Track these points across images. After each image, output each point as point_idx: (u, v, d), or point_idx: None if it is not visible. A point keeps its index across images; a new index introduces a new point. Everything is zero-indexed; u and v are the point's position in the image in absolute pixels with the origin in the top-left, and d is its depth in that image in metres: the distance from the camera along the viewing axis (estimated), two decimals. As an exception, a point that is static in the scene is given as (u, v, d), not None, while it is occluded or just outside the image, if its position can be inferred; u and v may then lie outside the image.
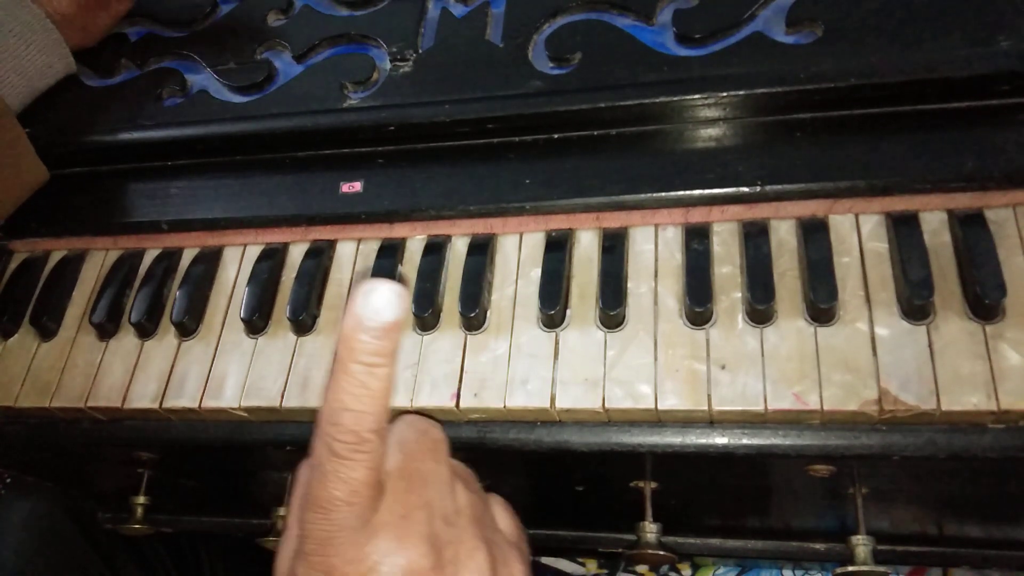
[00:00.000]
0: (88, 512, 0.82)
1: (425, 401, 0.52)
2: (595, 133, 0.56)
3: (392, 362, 0.34)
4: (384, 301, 0.32)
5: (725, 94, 0.52)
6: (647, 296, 0.52)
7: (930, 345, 0.46)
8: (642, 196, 0.53)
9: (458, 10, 0.63)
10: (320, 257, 0.59)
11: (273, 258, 0.60)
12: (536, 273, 0.54)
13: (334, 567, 0.33)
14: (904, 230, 0.49)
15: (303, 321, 0.56)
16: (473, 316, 0.53)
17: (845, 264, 0.49)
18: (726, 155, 0.52)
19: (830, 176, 0.50)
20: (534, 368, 0.51)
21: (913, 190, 0.49)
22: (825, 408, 0.46)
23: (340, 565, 0.33)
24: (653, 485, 0.59)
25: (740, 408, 0.47)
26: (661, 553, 0.58)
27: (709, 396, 0.48)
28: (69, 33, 0.68)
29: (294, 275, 0.58)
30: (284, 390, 0.55)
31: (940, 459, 0.46)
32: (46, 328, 0.62)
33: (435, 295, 0.55)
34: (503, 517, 0.41)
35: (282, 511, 0.67)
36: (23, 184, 0.64)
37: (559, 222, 0.55)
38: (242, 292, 0.59)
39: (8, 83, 0.65)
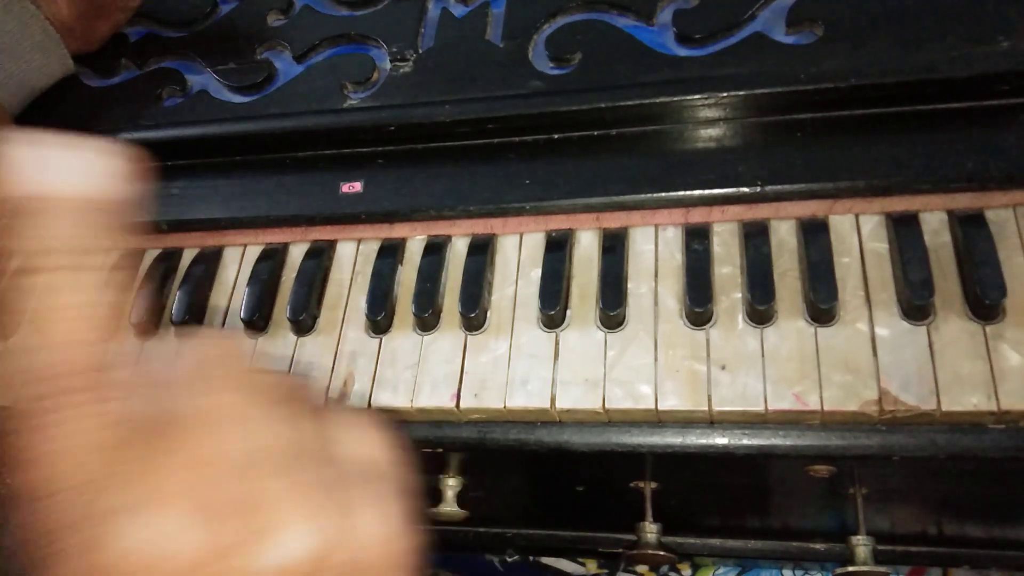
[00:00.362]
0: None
1: (425, 401, 0.52)
2: (595, 133, 0.56)
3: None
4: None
5: (725, 94, 0.52)
6: (647, 296, 0.52)
7: (930, 345, 0.46)
8: (642, 196, 0.53)
9: (458, 10, 0.63)
10: (320, 257, 0.59)
11: (273, 258, 0.60)
12: (536, 273, 0.54)
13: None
14: (904, 230, 0.49)
15: (303, 321, 0.56)
16: (473, 316, 0.53)
17: (845, 264, 0.49)
18: (726, 155, 0.52)
19: (830, 176, 0.50)
20: (534, 368, 0.51)
21: (913, 190, 0.49)
22: (825, 408, 0.46)
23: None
24: (653, 485, 0.59)
25: (740, 408, 0.47)
26: (661, 553, 0.58)
27: (709, 396, 0.48)
28: (68, 40, 0.68)
29: (294, 275, 0.58)
30: (284, 390, 0.54)
31: (940, 459, 0.46)
32: (46, 328, 0.62)
33: (435, 295, 0.55)
34: (360, 441, 0.29)
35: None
36: None
37: (559, 222, 0.55)
38: (242, 292, 0.59)
39: (4, 82, 0.64)
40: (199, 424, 0.26)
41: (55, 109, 0.69)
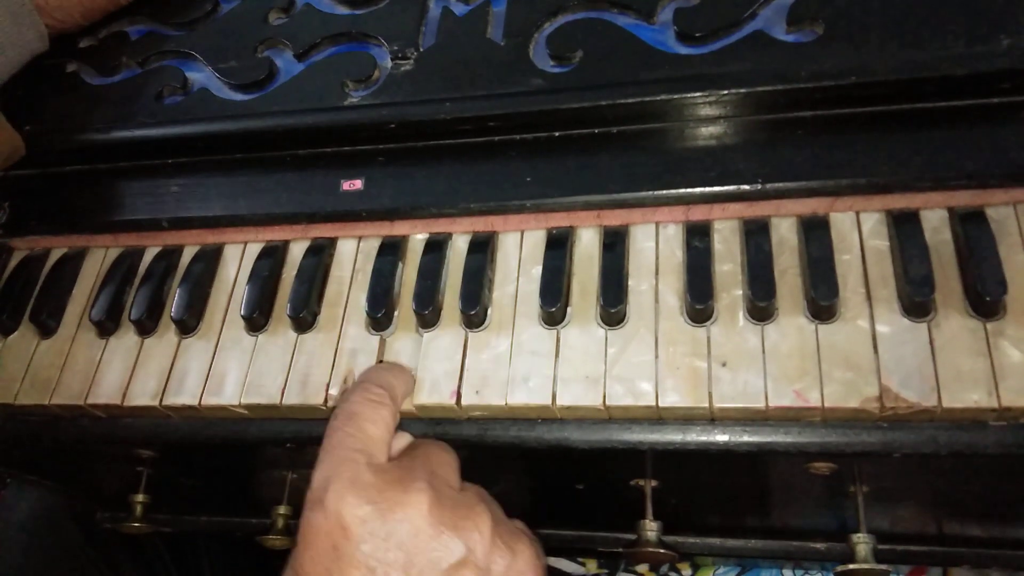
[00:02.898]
0: (88, 511, 0.82)
1: (426, 399, 0.52)
2: (596, 131, 0.56)
3: (406, 385, 0.52)
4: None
5: (726, 92, 0.52)
6: (648, 294, 0.52)
7: (931, 342, 0.46)
8: (643, 194, 0.53)
9: (459, 8, 0.63)
10: (321, 255, 0.59)
11: (274, 256, 0.60)
12: (537, 271, 0.54)
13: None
14: (905, 228, 0.49)
15: (303, 319, 0.56)
16: (474, 314, 0.53)
17: (846, 262, 0.49)
18: (727, 153, 0.52)
19: (831, 174, 0.50)
20: (535, 366, 0.51)
21: (914, 188, 0.49)
22: (826, 405, 0.46)
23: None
24: (654, 483, 0.59)
25: (741, 405, 0.47)
26: (661, 552, 0.58)
27: (710, 393, 0.48)
28: (44, 15, 0.67)
29: (294, 273, 0.58)
30: (284, 388, 0.55)
31: (941, 456, 0.46)
32: (46, 326, 0.62)
33: (436, 293, 0.55)
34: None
35: (282, 509, 0.67)
36: (1, 155, 0.63)
37: (560, 220, 0.56)
38: (242, 290, 0.59)
39: None
40: (431, 458, 0.48)
41: (57, 106, 0.69)
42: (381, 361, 0.54)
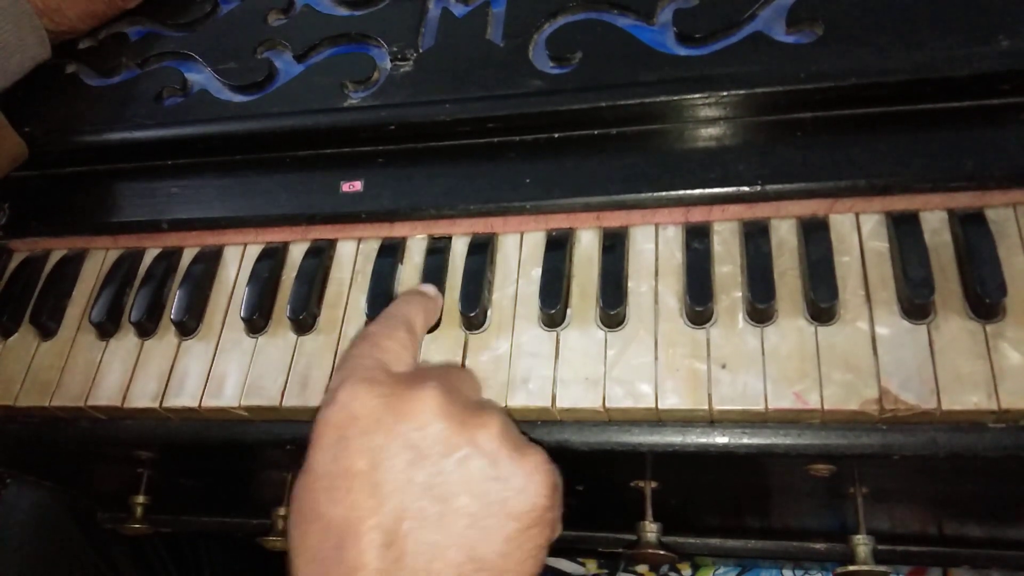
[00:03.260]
0: (88, 512, 0.82)
1: (425, 400, 0.52)
2: (595, 132, 0.56)
3: (427, 313, 0.52)
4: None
5: (725, 93, 0.52)
6: (647, 295, 0.52)
7: (931, 344, 0.46)
8: (642, 195, 0.53)
9: (458, 10, 0.63)
10: (320, 256, 0.59)
11: (273, 257, 0.60)
12: (537, 272, 0.54)
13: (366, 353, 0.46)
14: (905, 229, 0.49)
15: (303, 320, 0.56)
16: (473, 315, 0.53)
17: (845, 263, 0.49)
18: (726, 154, 0.52)
19: (830, 175, 0.50)
20: (535, 367, 0.51)
21: (913, 189, 0.49)
22: (826, 407, 0.46)
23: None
24: (653, 484, 0.59)
25: (741, 407, 0.47)
26: (661, 553, 0.58)
27: (710, 395, 0.48)
28: (45, 19, 0.67)
29: (294, 274, 0.58)
30: (284, 389, 0.55)
31: (940, 458, 0.46)
32: (46, 327, 0.62)
33: (435, 294, 0.55)
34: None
35: (282, 511, 0.67)
36: (5, 158, 0.63)
37: (559, 221, 0.55)
38: (242, 291, 0.59)
39: None
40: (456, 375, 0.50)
41: (56, 108, 0.69)
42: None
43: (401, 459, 0.41)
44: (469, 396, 0.47)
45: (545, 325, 0.52)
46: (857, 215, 0.51)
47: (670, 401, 0.48)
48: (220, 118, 0.63)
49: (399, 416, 0.42)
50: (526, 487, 0.41)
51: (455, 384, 0.46)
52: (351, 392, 0.43)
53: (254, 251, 0.61)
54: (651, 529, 0.59)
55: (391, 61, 0.62)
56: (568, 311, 0.52)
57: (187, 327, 0.58)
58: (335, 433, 0.42)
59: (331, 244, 0.60)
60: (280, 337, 0.57)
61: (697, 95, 0.53)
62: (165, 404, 0.56)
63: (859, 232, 0.50)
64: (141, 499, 0.70)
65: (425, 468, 0.41)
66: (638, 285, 0.52)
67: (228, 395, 0.56)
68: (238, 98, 0.65)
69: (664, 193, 0.52)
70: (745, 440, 0.49)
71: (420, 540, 0.39)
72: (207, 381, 0.56)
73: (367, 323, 0.55)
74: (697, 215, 0.53)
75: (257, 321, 0.57)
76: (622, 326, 0.51)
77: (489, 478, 0.41)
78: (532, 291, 0.53)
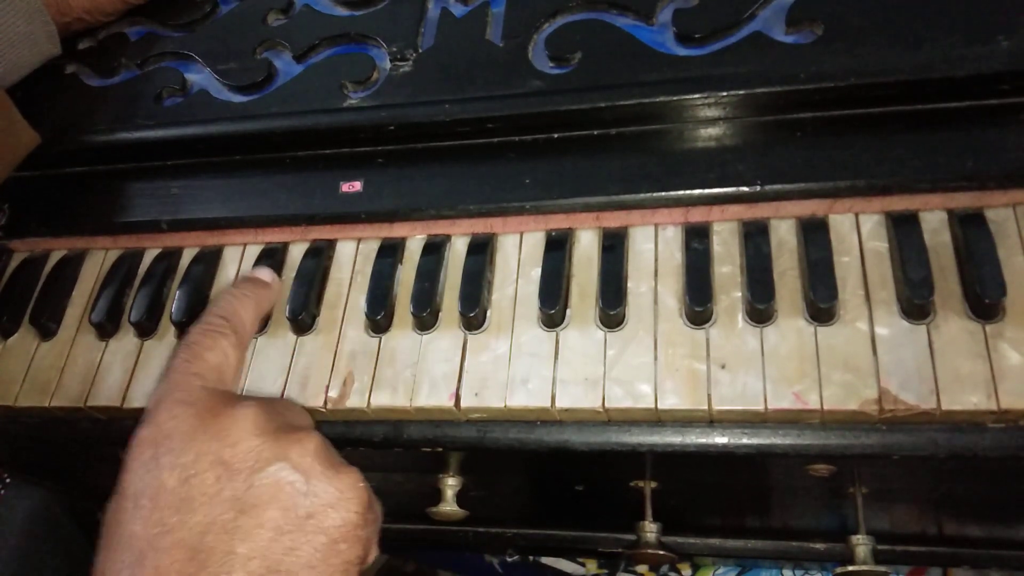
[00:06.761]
0: (88, 512, 0.82)
1: (424, 401, 0.52)
2: (595, 133, 0.56)
3: (257, 306, 0.54)
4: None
5: (725, 94, 0.52)
6: (647, 296, 0.52)
7: (930, 344, 0.46)
8: (642, 196, 0.53)
9: (458, 10, 0.63)
10: (320, 257, 0.59)
11: (273, 257, 0.60)
12: (536, 272, 0.54)
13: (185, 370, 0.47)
14: (904, 229, 0.49)
15: (302, 321, 0.56)
16: (473, 316, 0.53)
17: (845, 263, 0.49)
18: (726, 155, 0.52)
19: (830, 175, 0.50)
20: (534, 367, 0.51)
21: (913, 189, 0.49)
22: (825, 407, 0.46)
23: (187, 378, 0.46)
24: (653, 485, 0.59)
25: (740, 407, 0.47)
26: (661, 553, 0.58)
27: (709, 395, 0.48)
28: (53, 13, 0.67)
29: (294, 274, 0.58)
30: (284, 389, 0.55)
31: (940, 459, 0.46)
32: (46, 328, 0.62)
33: (435, 295, 0.55)
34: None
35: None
36: (18, 146, 0.63)
37: (559, 221, 0.55)
38: (242, 292, 0.59)
39: None
40: (277, 406, 0.48)
41: (56, 108, 0.69)
42: (377, 362, 0.54)
43: (211, 475, 0.42)
44: (291, 421, 0.47)
45: (545, 325, 0.52)
46: (857, 215, 0.51)
47: (669, 401, 0.48)
48: (220, 118, 0.63)
49: (213, 434, 0.43)
50: (337, 503, 0.42)
51: (278, 409, 0.47)
52: (168, 411, 0.44)
53: (254, 251, 0.61)
54: (651, 529, 0.59)
55: (390, 61, 0.62)
56: (568, 311, 0.52)
57: (187, 327, 0.58)
58: (149, 452, 0.43)
59: (330, 244, 0.60)
60: (279, 337, 0.57)
61: (697, 95, 0.53)
62: (165, 404, 0.56)
63: (859, 232, 0.50)
64: (141, 499, 0.70)
65: (235, 482, 0.42)
66: (638, 285, 0.52)
67: (228, 395, 0.55)
68: (238, 98, 0.65)
69: (664, 193, 0.52)
70: (745, 440, 0.48)
71: (224, 551, 0.40)
72: (207, 381, 0.56)
73: (366, 323, 0.55)
74: (697, 215, 0.53)
75: (257, 321, 0.57)
76: (622, 326, 0.51)
77: (300, 493, 0.42)
78: (532, 291, 0.53)
